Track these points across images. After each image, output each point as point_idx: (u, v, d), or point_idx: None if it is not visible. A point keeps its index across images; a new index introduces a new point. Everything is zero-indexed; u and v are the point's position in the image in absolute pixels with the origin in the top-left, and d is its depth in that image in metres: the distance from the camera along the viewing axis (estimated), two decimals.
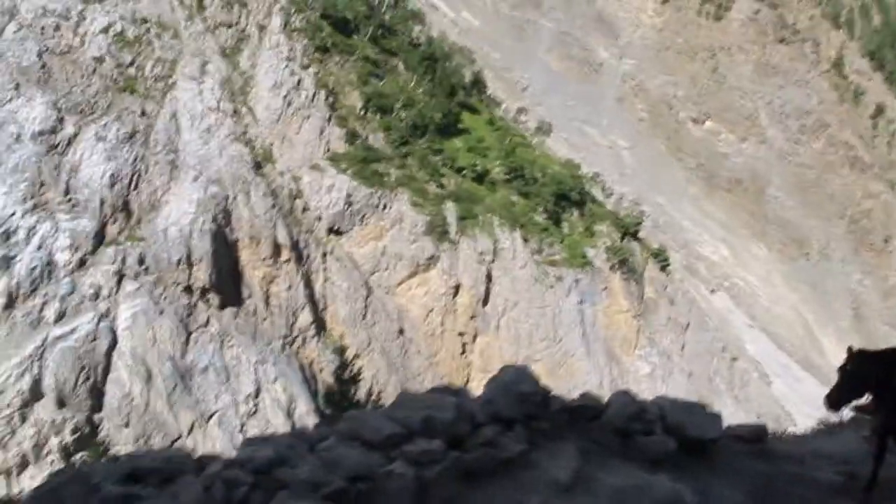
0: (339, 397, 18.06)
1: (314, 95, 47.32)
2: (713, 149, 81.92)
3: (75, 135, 38.83)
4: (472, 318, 46.12)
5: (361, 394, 19.26)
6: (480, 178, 50.50)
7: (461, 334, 45.86)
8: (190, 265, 37.64)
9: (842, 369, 7.34)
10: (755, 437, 8.37)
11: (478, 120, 57.05)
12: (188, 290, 37.32)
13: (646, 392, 29.36)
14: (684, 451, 7.32)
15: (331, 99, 48.46)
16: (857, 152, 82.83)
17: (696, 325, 55.86)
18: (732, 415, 38.15)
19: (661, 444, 7.18)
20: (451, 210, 47.18)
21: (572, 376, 45.61)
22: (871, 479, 7.36)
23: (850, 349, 7.34)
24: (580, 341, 47.63)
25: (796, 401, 55.98)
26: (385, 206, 46.28)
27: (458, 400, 6.27)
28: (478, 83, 64.45)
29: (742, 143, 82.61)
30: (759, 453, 8.17)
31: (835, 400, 7.33)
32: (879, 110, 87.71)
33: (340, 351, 22.63)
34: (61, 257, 35.23)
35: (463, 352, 45.89)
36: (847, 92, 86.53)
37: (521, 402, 6.55)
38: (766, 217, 78.72)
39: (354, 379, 19.37)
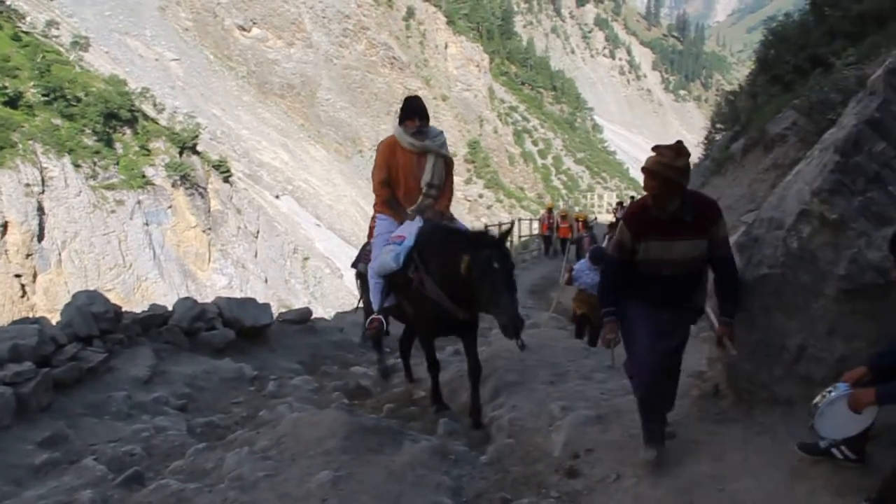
0: None
1: None
2: (263, 56, 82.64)
3: None
4: (28, 256, 42.61)
5: None
6: (13, 101, 45.67)
7: (18, 276, 42.21)
8: None
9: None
10: (302, 319, 10.41)
11: None
12: None
13: None
14: (244, 337, 9.15)
15: None
16: (394, 52, 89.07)
17: (266, 231, 57.41)
18: (312, 310, 40.22)
19: (222, 335, 8.89)
20: None
21: (149, 299, 44.46)
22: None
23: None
24: (152, 263, 46.61)
25: None
26: None
27: (39, 327, 6.81)
28: None
29: (290, 48, 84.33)
30: (307, 330, 10.26)
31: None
32: (410, 12, 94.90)
33: None
34: None
35: (24, 294, 42.39)
36: None
37: (96, 320, 7.54)
38: (321, 119, 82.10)
39: None
